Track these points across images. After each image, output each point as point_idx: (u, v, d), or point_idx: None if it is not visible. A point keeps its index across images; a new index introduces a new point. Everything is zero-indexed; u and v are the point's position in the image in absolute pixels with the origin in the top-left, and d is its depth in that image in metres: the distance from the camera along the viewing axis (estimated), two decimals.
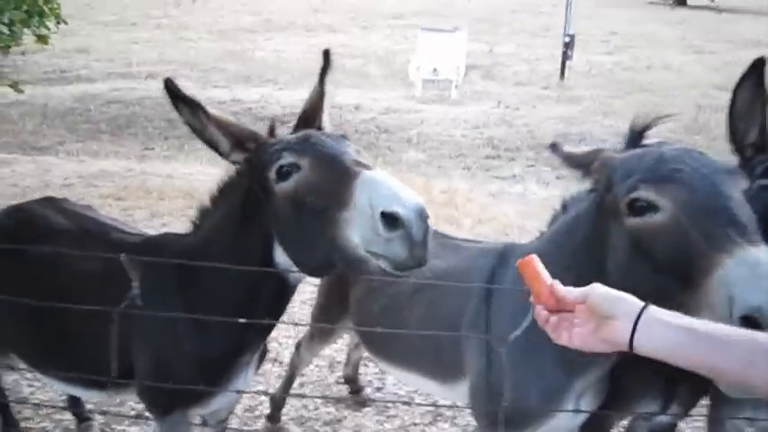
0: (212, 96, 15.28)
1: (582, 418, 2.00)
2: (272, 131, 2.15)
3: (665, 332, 1.14)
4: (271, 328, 2.22)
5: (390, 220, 1.59)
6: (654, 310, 1.21)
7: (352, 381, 3.98)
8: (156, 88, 8.37)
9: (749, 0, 43.39)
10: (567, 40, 20.41)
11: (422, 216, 1.54)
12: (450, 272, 2.29)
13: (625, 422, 2.58)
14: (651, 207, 1.49)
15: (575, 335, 1.26)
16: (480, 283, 2.13)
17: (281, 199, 1.87)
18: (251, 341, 2.18)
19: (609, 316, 1.21)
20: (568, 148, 1.90)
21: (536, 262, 1.37)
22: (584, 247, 1.79)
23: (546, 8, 35.25)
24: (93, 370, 2.14)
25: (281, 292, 2.10)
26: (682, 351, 1.13)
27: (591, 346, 1.26)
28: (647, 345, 1.15)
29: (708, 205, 1.39)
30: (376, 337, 2.53)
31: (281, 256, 1.98)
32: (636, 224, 1.50)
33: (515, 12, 36.58)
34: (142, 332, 2.10)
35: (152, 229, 5.38)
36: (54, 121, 13.73)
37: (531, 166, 11.84)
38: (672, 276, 1.34)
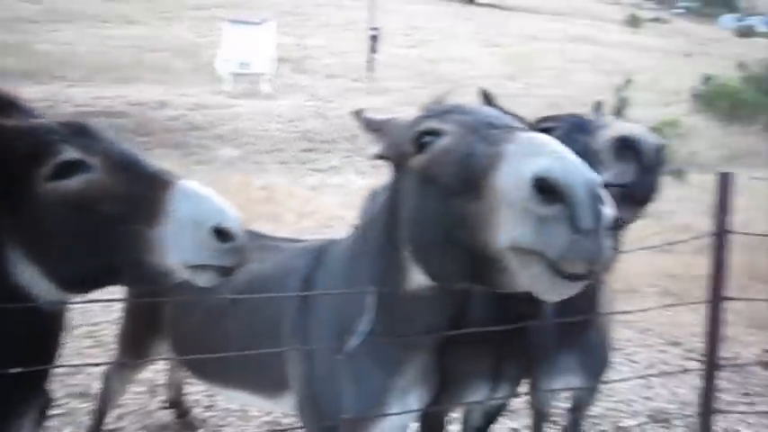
0: None
1: (414, 413, 1.98)
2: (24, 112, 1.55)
3: None
4: (41, 376, 1.58)
5: (221, 233, 1.33)
6: None
7: (177, 404, 3.60)
8: None
9: (525, 1, 48.52)
10: (372, 33, 21.07)
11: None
12: (267, 275, 2.14)
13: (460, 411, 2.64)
14: (435, 134, 1.45)
15: None
16: (298, 284, 2.00)
17: (53, 201, 1.39)
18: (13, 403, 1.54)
19: None
20: (371, 115, 1.83)
21: None
22: (383, 230, 1.71)
23: (349, 2, 36.08)
24: None
25: (40, 327, 1.55)
26: None
27: None
28: None
29: (486, 120, 1.40)
30: (193, 356, 2.28)
31: (28, 276, 1.46)
32: (422, 159, 1.48)
33: (321, 5, 36.93)
34: None
35: None
36: None
37: (348, 157, 12.00)
38: (462, 195, 1.30)
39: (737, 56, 33.76)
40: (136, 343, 2.74)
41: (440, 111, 1.54)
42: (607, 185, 1.68)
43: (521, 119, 1.93)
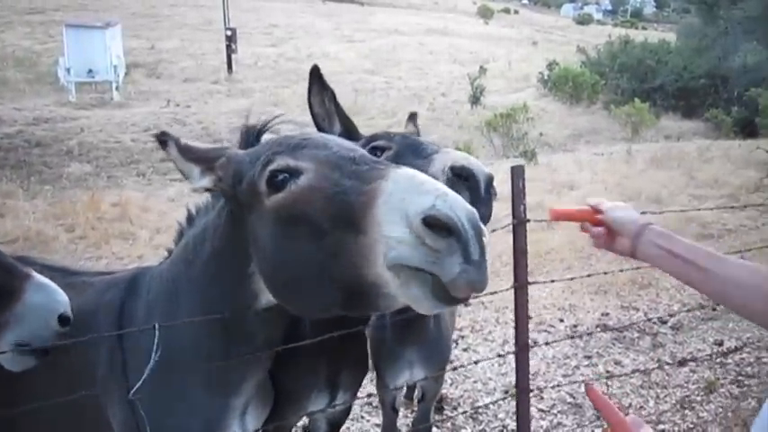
0: None
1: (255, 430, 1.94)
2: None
3: (657, 251, 1.43)
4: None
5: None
6: (651, 230, 1.48)
7: None
8: None
9: None
10: (229, 33, 20.48)
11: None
12: (74, 315, 1.98)
13: (306, 421, 2.64)
14: (292, 173, 1.41)
15: (606, 241, 1.53)
16: (110, 321, 1.88)
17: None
18: None
19: (618, 233, 1.50)
20: (185, 140, 1.70)
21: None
22: (219, 255, 1.66)
23: (205, 1, 34.82)
24: None
25: None
26: (668, 267, 1.43)
27: (616, 250, 1.52)
28: (647, 260, 1.46)
29: (345, 155, 1.39)
30: None
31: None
32: (280, 199, 1.42)
33: (174, 5, 35.33)
34: None
35: None
36: None
37: None
38: (336, 232, 1.29)
39: (577, 41, 36.78)
40: None
41: (290, 145, 1.50)
42: None
43: (359, 139, 1.95)
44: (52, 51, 19.67)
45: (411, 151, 1.91)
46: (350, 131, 1.99)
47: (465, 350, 4.62)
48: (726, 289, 1.33)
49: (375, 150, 1.92)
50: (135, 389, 1.56)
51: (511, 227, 2.17)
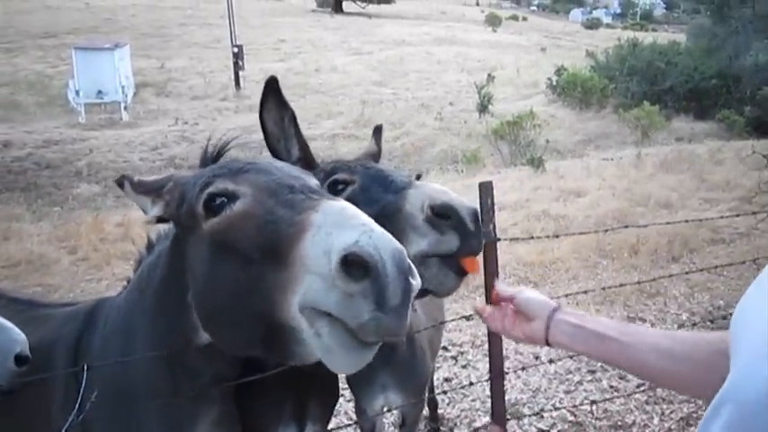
0: None
1: None
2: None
3: (572, 331, 1.32)
4: None
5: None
6: (563, 312, 1.38)
7: None
8: None
9: (390, 7, 49.75)
10: (236, 50, 20.63)
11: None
12: (32, 350, 1.93)
13: None
14: (230, 197, 1.34)
15: (505, 325, 1.45)
16: (64, 353, 1.83)
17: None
18: None
19: (529, 317, 1.39)
20: (139, 177, 1.67)
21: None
22: (165, 283, 1.59)
23: (214, 20, 35.18)
24: None
25: None
26: (582, 346, 1.31)
27: (515, 336, 1.44)
28: (559, 343, 1.36)
29: (285, 182, 1.33)
30: None
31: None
32: (215, 224, 1.35)
33: (184, 25, 35.74)
34: None
35: None
36: None
37: None
38: (263, 263, 1.22)
39: (587, 46, 36.56)
40: None
41: (232, 169, 1.44)
42: (429, 255, 1.58)
43: (315, 168, 1.83)
44: (63, 74, 19.97)
45: (378, 184, 1.73)
46: (307, 160, 1.87)
47: (464, 367, 4.51)
48: (646, 357, 1.23)
49: (337, 184, 1.76)
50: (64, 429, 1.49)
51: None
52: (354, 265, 1.09)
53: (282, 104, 1.84)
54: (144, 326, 1.66)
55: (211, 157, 1.70)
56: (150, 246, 1.83)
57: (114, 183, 1.68)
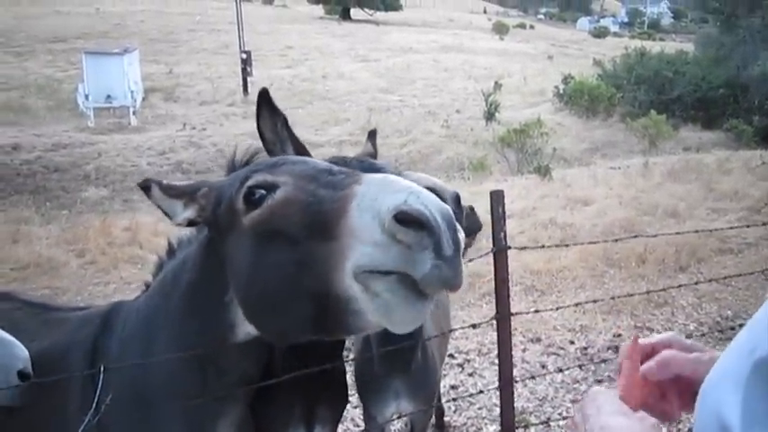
0: None
1: None
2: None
3: None
4: None
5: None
6: None
7: None
8: None
9: (398, 15, 49.89)
10: (244, 56, 20.74)
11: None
12: (47, 354, 1.93)
13: None
14: (269, 188, 1.37)
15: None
16: (81, 357, 1.84)
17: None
18: None
19: None
20: (166, 181, 1.69)
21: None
22: (196, 286, 1.61)
23: (223, 26, 35.36)
24: None
25: None
26: None
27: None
28: None
29: (323, 168, 1.38)
30: None
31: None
32: (257, 215, 1.39)
33: (193, 30, 35.94)
34: None
35: None
36: None
37: None
38: (310, 241, 1.25)
39: (594, 54, 36.55)
40: None
41: (269, 164, 1.48)
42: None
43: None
44: (73, 78, 20.10)
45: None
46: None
47: (471, 375, 4.50)
48: None
49: None
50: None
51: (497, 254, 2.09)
52: (406, 222, 1.15)
53: (275, 112, 1.89)
54: (169, 329, 1.67)
55: (240, 165, 1.73)
56: (171, 251, 1.85)
57: (138, 186, 1.70)
